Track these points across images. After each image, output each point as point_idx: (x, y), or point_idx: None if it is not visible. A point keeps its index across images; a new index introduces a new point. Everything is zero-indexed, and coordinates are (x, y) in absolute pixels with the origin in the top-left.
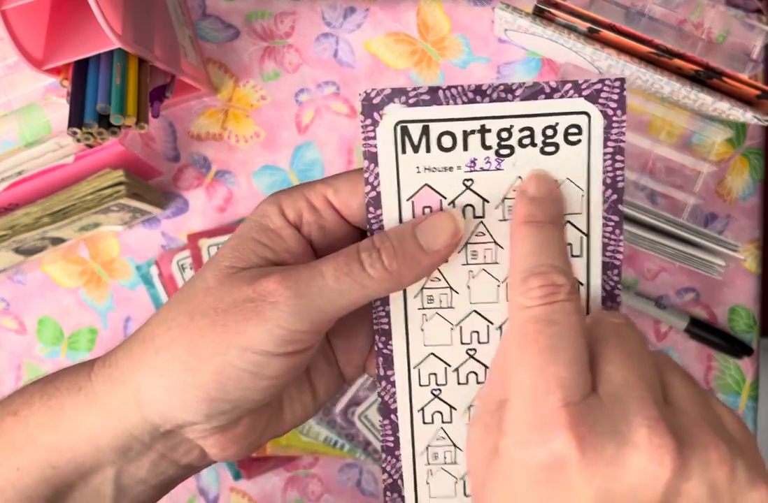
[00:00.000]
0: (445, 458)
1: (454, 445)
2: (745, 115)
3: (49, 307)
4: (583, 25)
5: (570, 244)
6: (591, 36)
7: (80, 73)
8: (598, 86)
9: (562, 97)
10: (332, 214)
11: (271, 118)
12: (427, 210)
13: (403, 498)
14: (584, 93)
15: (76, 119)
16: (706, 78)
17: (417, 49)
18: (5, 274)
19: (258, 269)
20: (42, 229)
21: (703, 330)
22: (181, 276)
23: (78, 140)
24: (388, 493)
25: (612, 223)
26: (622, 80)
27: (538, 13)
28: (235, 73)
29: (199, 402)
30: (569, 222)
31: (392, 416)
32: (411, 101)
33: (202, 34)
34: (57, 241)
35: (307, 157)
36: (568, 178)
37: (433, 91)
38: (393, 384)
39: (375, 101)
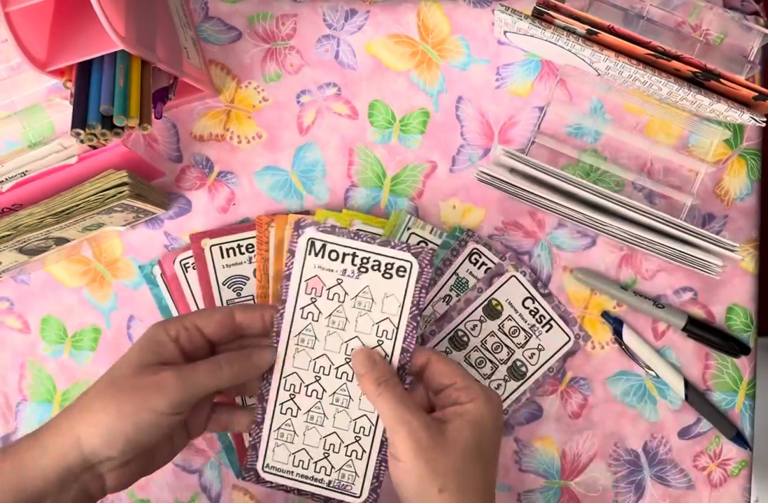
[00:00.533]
0: (286, 438)
1: (294, 432)
2: (743, 117)
3: (53, 307)
4: (582, 27)
5: (386, 331)
6: (590, 38)
7: (83, 74)
8: (420, 250)
9: (400, 250)
10: (196, 332)
11: (273, 119)
12: (313, 289)
13: (257, 455)
14: (412, 251)
15: (79, 120)
16: (704, 80)
17: (417, 50)
18: (9, 274)
19: (156, 366)
20: (46, 229)
21: (701, 330)
22: (183, 276)
23: (81, 141)
24: (250, 450)
25: (413, 324)
26: (434, 251)
27: (537, 15)
28: (237, 75)
29: (120, 442)
30: (389, 318)
31: (264, 403)
32: (320, 229)
33: (204, 35)
34: (61, 241)
35: (308, 157)
36: (393, 294)
37: (333, 227)
38: (270, 383)
39: (301, 224)
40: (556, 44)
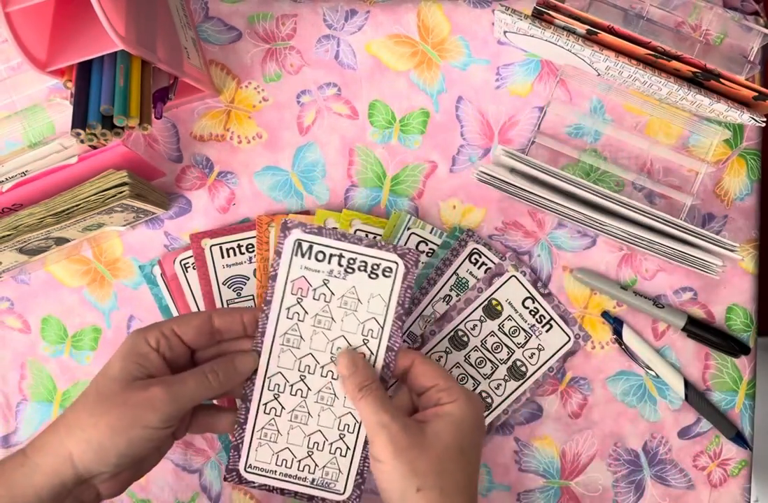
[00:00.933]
0: (270, 438)
1: (278, 431)
2: (743, 117)
3: (53, 307)
4: (582, 28)
5: (372, 330)
6: (589, 38)
7: (84, 74)
8: (406, 251)
9: (386, 251)
10: (176, 339)
11: (273, 119)
12: (299, 290)
13: (240, 455)
14: (398, 252)
15: (79, 120)
16: (703, 80)
17: (417, 50)
18: (9, 274)
19: (144, 380)
20: (46, 229)
21: (701, 329)
22: (183, 276)
23: (81, 141)
24: (233, 451)
25: (398, 323)
26: (419, 252)
27: (537, 16)
28: (237, 75)
29: (113, 458)
30: (374, 318)
31: (247, 403)
32: (306, 230)
33: (204, 36)
34: (61, 241)
35: (308, 157)
36: (379, 294)
37: (319, 228)
38: (253, 384)
39: (288, 225)
40: (556, 44)
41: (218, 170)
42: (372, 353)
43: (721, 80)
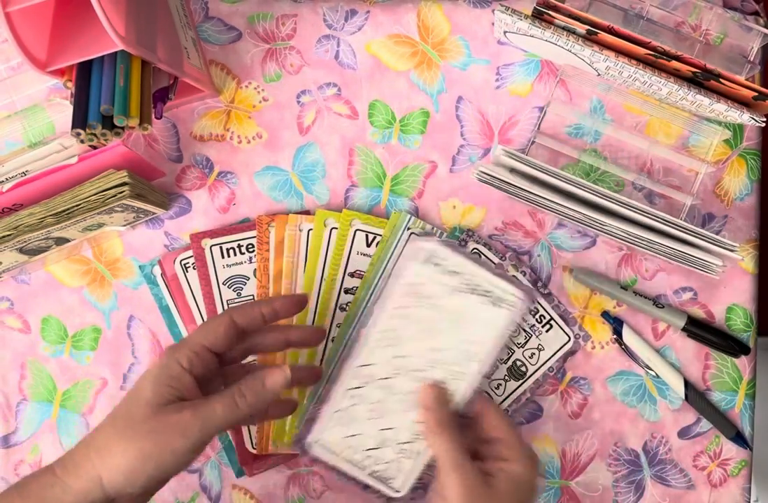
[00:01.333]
0: (344, 421)
1: (354, 418)
2: (743, 117)
3: (53, 307)
4: (582, 28)
5: (469, 352)
6: (589, 38)
7: (84, 74)
8: (529, 288)
9: (507, 281)
10: (206, 352)
11: (273, 119)
12: (415, 295)
13: (311, 429)
14: (521, 288)
15: (79, 120)
16: (703, 80)
17: (417, 50)
18: (9, 274)
19: (175, 404)
20: (46, 229)
21: (701, 329)
22: (184, 276)
23: (81, 141)
24: (306, 423)
25: (495, 353)
26: (535, 290)
27: (537, 16)
28: (237, 75)
29: (142, 481)
30: (475, 342)
31: (332, 384)
32: (440, 243)
33: (204, 36)
34: (61, 241)
35: (308, 157)
36: (486, 321)
37: (452, 244)
38: (341, 366)
39: (425, 234)
40: (556, 44)
41: (218, 170)
42: (464, 373)
43: (721, 80)
